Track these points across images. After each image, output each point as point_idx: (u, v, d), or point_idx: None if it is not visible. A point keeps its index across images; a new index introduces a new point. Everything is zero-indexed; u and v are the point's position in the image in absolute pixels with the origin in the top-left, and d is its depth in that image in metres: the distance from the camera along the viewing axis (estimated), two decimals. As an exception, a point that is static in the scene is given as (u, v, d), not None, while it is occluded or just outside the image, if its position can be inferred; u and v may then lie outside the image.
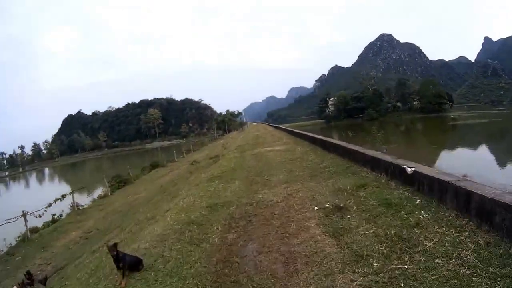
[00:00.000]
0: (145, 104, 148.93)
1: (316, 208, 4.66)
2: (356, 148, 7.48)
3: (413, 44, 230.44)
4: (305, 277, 2.88)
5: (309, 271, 2.97)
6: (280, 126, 42.56)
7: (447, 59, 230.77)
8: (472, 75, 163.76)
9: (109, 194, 19.26)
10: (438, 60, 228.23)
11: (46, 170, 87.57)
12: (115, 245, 3.72)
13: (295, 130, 21.34)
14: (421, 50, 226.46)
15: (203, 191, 7.19)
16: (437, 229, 3.22)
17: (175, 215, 5.60)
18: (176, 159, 32.51)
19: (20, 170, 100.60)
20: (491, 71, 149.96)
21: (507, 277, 2.29)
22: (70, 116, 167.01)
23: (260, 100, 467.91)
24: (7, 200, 40.95)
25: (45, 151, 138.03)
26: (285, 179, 7.04)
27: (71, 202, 15.78)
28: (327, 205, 4.67)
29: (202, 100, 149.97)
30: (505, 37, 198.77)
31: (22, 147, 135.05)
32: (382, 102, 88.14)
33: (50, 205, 13.86)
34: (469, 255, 2.64)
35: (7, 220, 11.74)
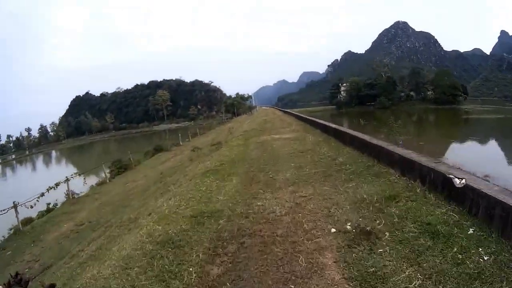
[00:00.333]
0: (154, 85, 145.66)
1: (333, 230, 3.50)
2: (380, 143, 6.17)
3: (428, 33, 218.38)
4: None
5: None
6: (289, 111, 40.89)
7: (461, 50, 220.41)
8: (487, 68, 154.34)
9: (107, 181, 18.50)
10: (453, 50, 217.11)
11: (53, 153, 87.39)
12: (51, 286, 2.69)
13: (306, 116, 19.91)
14: (436, 39, 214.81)
15: (193, 190, 6.10)
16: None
17: (153, 224, 4.53)
18: (181, 143, 31.56)
19: (27, 153, 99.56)
20: (506, 65, 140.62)
21: None
22: (78, 97, 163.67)
23: (271, 84, 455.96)
24: (14, 183, 41.23)
25: (52, 134, 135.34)
26: (292, 179, 5.88)
27: (66, 190, 15.04)
28: (348, 227, 3.50)
29: (212, 82, 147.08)
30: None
31: (29, 129, 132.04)
32: (396, 90, 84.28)
33: (42, 194, 13.08)
34: None
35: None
